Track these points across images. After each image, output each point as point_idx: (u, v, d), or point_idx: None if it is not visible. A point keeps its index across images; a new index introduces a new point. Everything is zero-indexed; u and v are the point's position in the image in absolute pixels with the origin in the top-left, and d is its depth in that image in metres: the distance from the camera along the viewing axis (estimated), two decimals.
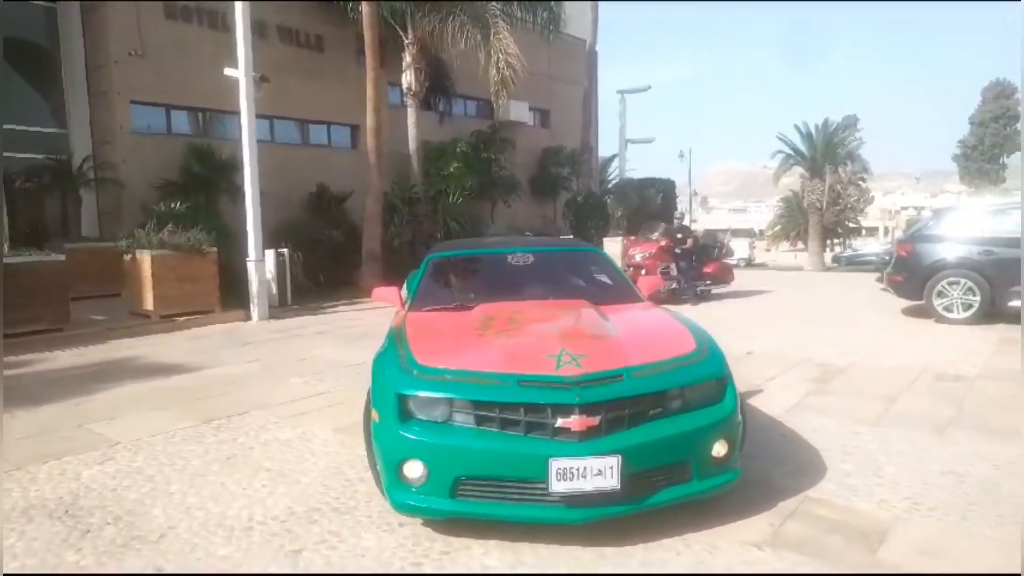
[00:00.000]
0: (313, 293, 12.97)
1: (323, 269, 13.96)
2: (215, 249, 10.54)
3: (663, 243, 12.06)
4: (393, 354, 3.48)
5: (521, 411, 2.96)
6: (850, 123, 47.12)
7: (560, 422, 2.92)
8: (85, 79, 13.87)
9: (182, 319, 9.97)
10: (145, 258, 9.92)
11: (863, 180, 48.55)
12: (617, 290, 4.79)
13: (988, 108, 54.22)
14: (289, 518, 3.39)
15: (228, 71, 10.94)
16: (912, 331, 8.61)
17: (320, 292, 13.18)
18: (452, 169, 17.08)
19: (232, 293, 11.03)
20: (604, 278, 5.01)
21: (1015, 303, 8.43)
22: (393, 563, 2.93)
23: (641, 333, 3.85)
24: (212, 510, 3.51)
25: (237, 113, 11.09)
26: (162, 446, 4.55)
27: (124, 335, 9.15)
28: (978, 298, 8.64)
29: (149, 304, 9.91)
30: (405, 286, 5.13)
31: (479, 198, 18.59)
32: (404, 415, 3.06)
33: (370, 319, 10.65)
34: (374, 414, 3.25)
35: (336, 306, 12.06)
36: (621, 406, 3.00)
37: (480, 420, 2.99)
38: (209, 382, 6.48)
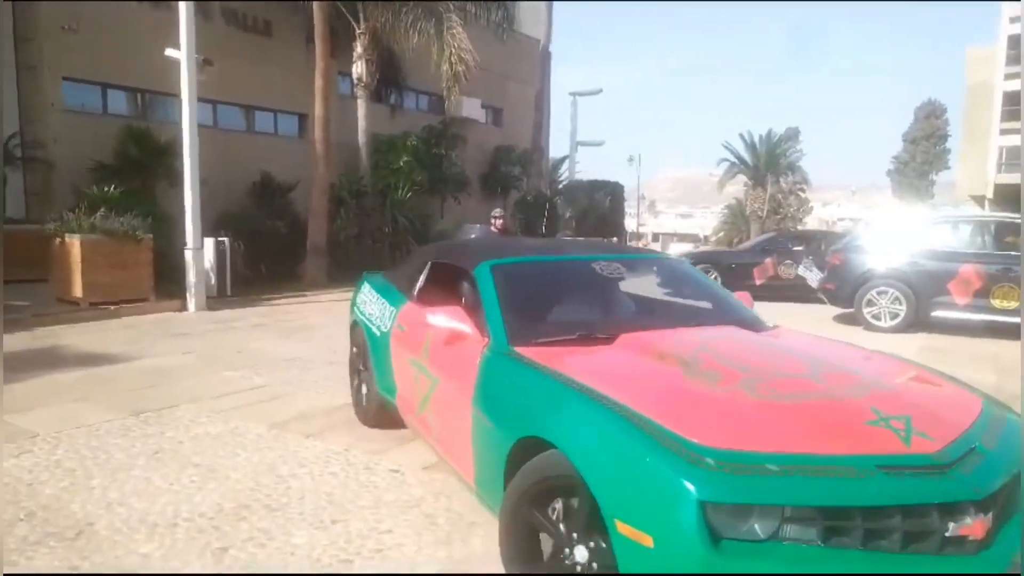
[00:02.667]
0: (254, 285, 12.63)
1: (265, 260, 13.62)
2: (151, 236, 10.15)
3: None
4: (628, 431, 2.14)
5: (897, 517, 1.91)
6: (792, 135, 48.74)
7: (953, 528, 1.94)
8: (13, 51, 13.16)
9: (113, 307, 9.57)
10: (75, 242, 9.48)
11: (803, 191, 50.31)
12: (734, 310, 3.78)
13: (920, 127, 56.87)
14: (217, 515, 3.29)
15: (169, 52, 10.55)
16: (839, 337, 8.93)
17: (261, 284, 12.85)
18: (402, 163, 16.90)
19: (168, 282, 10.65)
20: (706, 292, 4.00)
21: (937, 313, 8.88)
22: (322, 560, 2.88)
23: (898, 378, 2.89)
24: (135, 506, 3.37)
25: (178, 96, 10.71)
26: (84, 439, 4.35)
27: (50, 323, 8.72)
28: (904, 308, 9.05)
29: (78, 291, 9.48)
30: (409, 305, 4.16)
31: (429, 194, 18.46)
32: (712, 536, 1.86)
33: (311, 313, 10.46)
34: (626, 531, 1.99)
35: (277, 299, 11.78)
36: (1002, 495, 2.10)
37: (828, 534, 1.88)
38: (139, 373, 6.24)
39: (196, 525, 3.18)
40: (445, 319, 3.28)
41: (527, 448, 2.48)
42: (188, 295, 10.37)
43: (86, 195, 11.17)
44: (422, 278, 4.24)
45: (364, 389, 4.67)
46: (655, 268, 4.18)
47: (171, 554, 2.91)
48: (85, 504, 3.39)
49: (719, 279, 12.16)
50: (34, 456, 4.03)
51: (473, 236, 8.19)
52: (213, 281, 11.28)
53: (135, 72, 13.63)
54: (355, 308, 5.00)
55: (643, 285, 4.02)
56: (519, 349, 2.98)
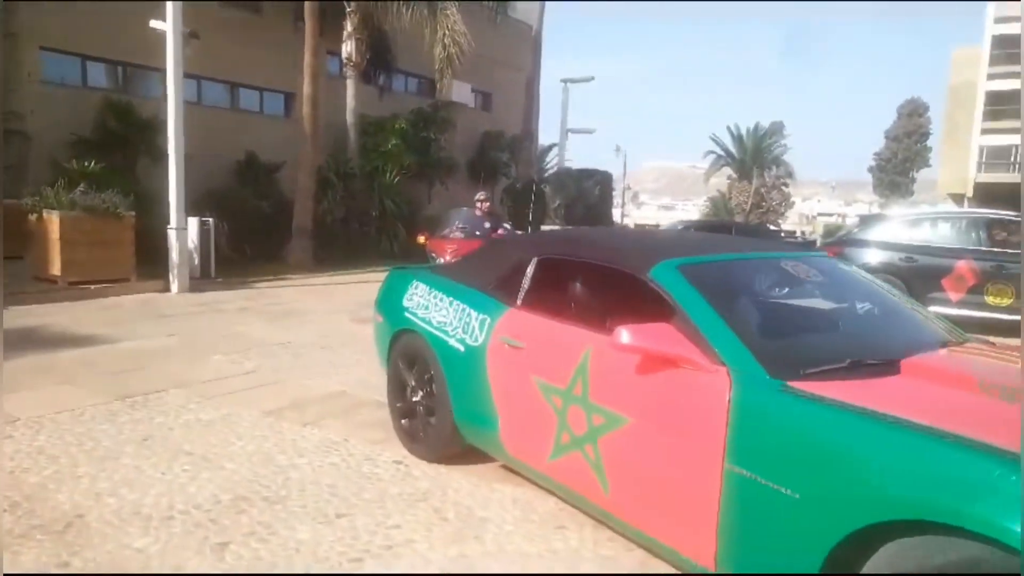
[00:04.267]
0: (238, 266, 12.35)
1: (250, 241, 13.33)
2: (133, 213, 9.86)
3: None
4: None
5: None
6: (777, 129, 49.00)
7: None
8: None
9: (93, 287, 9.27)
10: (53, 219, 9.16)
11: (786, 185, 50.68)
12: (929, 328, 3.06)
13: (902, 124, 57.36)
14: (214, 507, 3.12)
15: (154, 23, 10.19)
16: None
17: (246, 265, 12.57)
18: (390, 146, 16.62)
19: (150, 262, 10.34)
20: (874, 295, 3.26)
21: (930, 309, 8.88)
22: (330, 558, 2.73)
23: None
24: (126, 497, 3.19)
25: (161, 70, 10.38)
26: (69, 424, 4.15)
27: (27, 302, 8.41)
28: None
29: (56, 269, 9.17)
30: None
31: (417, 178, 18.19)
32: None
33: (298, 296, 10.23)
34: None
35: (263, 281, 11.52)
36: None
37: None
38: (123, 356, 6.01)
39: (193, 518, 3.00)
40: (648, 340, 2.41)
41: (879, 535, 1.78)
42: (171, 276, 10.09)
43: (65, 170, 10.82)
44: (527, 279, 3.34)
45: (427, 415, 3.73)
46: (821, 267, 3.33)
47: (168, 549, 2.74)
48: (72, 494, 3.20)
49: None
50: (15, 442, 3.82)
51: (457, 221, 7.95)
52: (197, 262, 11.00)
53: (117, 44, 13.20)
54: (402, 312, 3.97)
55: (840, 287, 3.31)
56: (795, 385, 2.19)
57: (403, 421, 3.95)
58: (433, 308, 3.74)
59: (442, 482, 3.50)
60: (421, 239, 7.92)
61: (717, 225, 18.05)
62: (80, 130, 12.51)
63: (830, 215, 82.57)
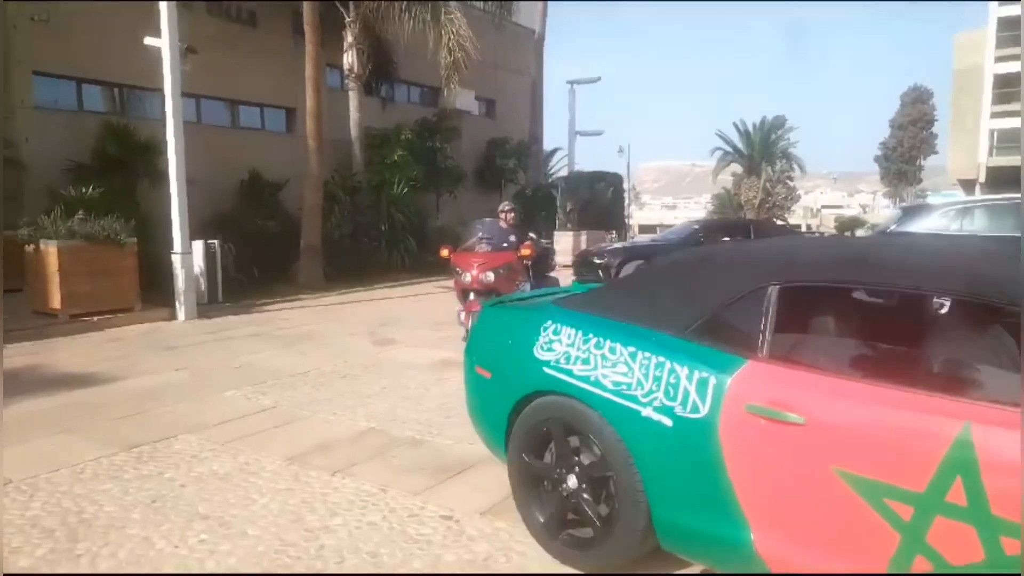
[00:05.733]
0: (246, 289, 11.87)
1: (257, 263, 12.84)
2: (134, 240, 9.39)
3: (523, 252, 7.25)
4: None
5: None
6: (779, 123, 48.56)
7: None
8: None
9: (96, 319, 8.80)
10: (51, 249, 8.70)
11: (790, 179, 50.14)
12: None
13: (907, 112, 56.77)
14: None
15: (149, 40, 9.75)
16: None
17: (254, 288, 12.09)
18: (396, 157, 16.15)
19: (155, 289, 9.88)
20: None
21: None
22: None
23: None
24: None
25: (158, 90, 9.92)
26: (67, 485, 3.65)
27: (25, 338, 7.94)
28: None
29: (56, 302, 8.70)
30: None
31: (423, 189, 17.73)
32: None
33: (310, 318, 9.74)
34: None
35: (273, 303, 11.03)
36: None
37: None
38: (128, 396, 5.51)
39: None
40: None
41: None
42: (177, 303, 9.61)
43: (62, 197, 10.36)
44: (768, 320, 2.38)
45: (595, 515, 2.69)
46: None
47: None
48: None
49: None
50: (5, 512, 3.32)
51: (481, 232, 7.44)
52: (203, 287, 10.54)
53: (112, 65, 12.77)
54: (537, 367, 2.90)
55: None
56: None
57: (540, 517, 2.89)
58: (600, 362, 2.67)
59: (502, 542, 2.99)
60: (444, 253, 7.37)
61: (734, 224, 17.43)
62: (77, 156, 12.07)
63: (836, 207, 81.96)
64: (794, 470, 2.17)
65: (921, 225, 8.92)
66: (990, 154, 39.03)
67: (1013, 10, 37.09)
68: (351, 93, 15.21)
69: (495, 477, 3.67)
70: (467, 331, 7.04)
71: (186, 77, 10.04)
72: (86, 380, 6.04)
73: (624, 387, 2.56)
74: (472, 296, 6.95)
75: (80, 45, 12.45)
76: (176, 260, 9.67)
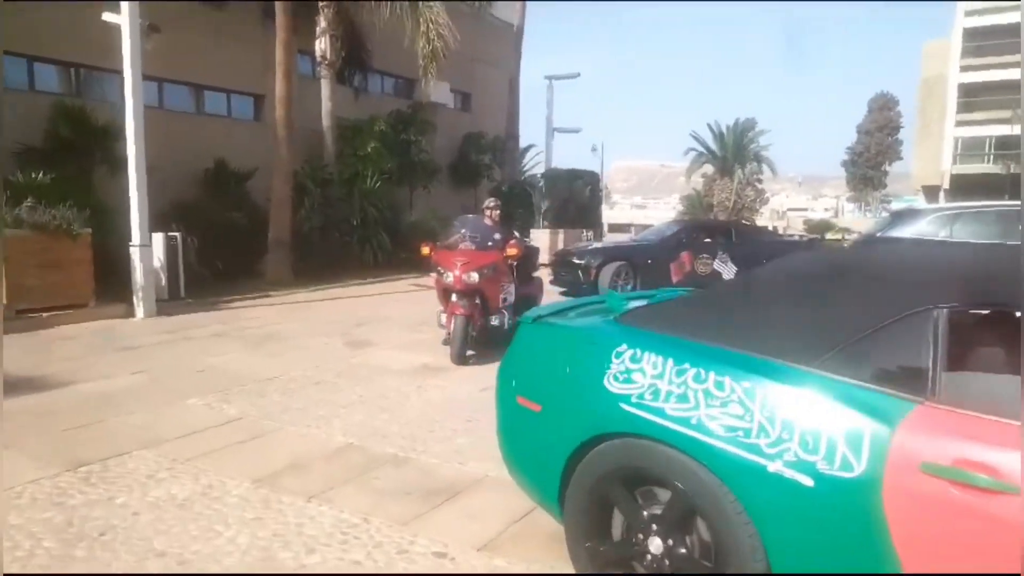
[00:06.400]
0: (210, 284, 11.28)
1: (222, 256, 12.23)
2: (89, 230, 8.80)
3: (509, 251, 6.81)
4: None
5: None
6: (749, 126, 49.01)
7: None
8: None
9: (45, 316, 8.20)
10: None
11: (759, 181, 50.67)
12: None
13: (873, 119, 57.91)
14: None
15: (108, 16, 9.13)
16: None
17: (219, 283, 11.50)
18: (369, 149, 15.62)
19: (111, 284, 9.28)
20: None
21: None
22: None
23: None
24: None
25: (118, 72, 9.30)
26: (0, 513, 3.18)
27: None
28: None
29: (2, 296, 8.06)
30: None
31: (397, 183, 17.23)
32: None
33: (278, 316, 9.25)
34: None
35: (238, 300, 10.48)
36: None
37: None
38: (77, 404, 5.00)
39: None
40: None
41: None
42: (135, 299, 9.03)
43: (10, 183, 9.67)
44: (938, 351, 1.89)
45: None
46: None
47: None
48: None
49: (635, 277, 10.93)
50: None
51: (465, 229, 6.98)
52: (164, 282, 9.96)
53: (68, 43, 12.02)
54: (612, 403, 2.33)
55: None
56: None
57: None
58: (704, 399, 2.12)
59: None
60: (425, 250, 6.94)
61: (714, 225, 17.05)
62: (28, 139, 11.32)
63: (801, 210, 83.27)
64: (989, 550, 1.67)
65: (910, 230, 8.80)
66: (954, 162, 39.86)
67: (979, 21, 37.88)
68: (323, 81, 14.64)
69: (491, 503, 3.34)
70: (448, 334, 6.65)
71: (148, 58, 9.44)
72: (30, 385, 5.50)
73: (740, 433, 2.01)
74: (455, 297, 6.55)
75: (32, 20, 11.67)
76: (134, 253, 9.08)
